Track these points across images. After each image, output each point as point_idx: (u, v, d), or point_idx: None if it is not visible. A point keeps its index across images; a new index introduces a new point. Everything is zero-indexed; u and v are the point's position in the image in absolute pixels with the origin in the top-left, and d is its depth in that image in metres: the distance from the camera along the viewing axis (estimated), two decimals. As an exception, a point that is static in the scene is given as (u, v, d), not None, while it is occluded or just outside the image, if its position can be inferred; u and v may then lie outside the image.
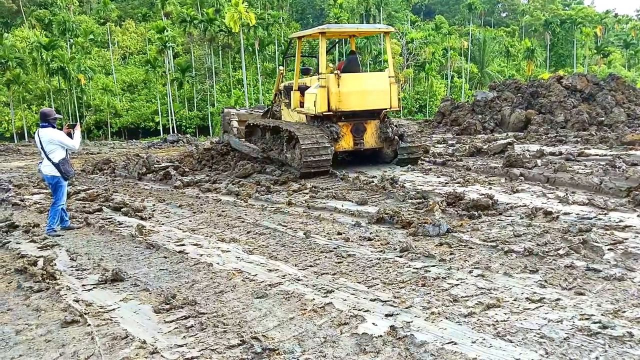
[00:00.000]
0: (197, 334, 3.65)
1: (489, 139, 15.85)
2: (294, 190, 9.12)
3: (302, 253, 5.50)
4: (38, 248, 6.27)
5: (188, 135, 33.08)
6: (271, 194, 8.95)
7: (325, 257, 5.31)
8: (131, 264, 5.47)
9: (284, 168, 11.12)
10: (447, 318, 3.72)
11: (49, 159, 6.95)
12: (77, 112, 54.71)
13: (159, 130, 55.22)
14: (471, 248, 5.32)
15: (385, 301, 4.07)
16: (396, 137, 10.92)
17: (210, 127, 55.73)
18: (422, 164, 11.34)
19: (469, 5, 75.63)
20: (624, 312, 3.68)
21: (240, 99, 56.34)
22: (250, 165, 11.26)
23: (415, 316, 3.78)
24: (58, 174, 7.00)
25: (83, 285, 4.85)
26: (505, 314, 3.74)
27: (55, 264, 5.43)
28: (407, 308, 3.93)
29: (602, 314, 3.65)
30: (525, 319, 3.64)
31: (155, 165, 12.32)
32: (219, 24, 58.92)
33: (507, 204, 6.99)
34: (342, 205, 7.63)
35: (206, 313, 3.99)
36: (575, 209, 6.69)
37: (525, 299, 3.98)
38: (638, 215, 6.22)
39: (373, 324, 3.68)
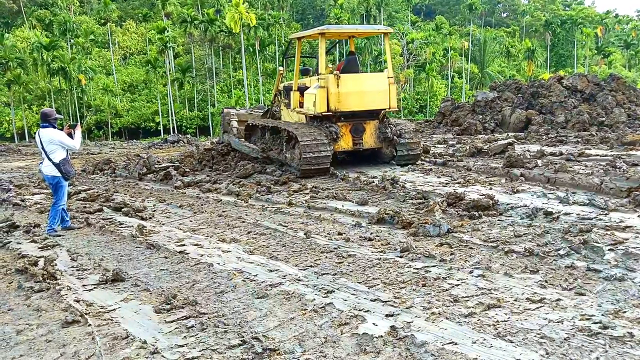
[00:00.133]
0: (197, 334, 3.65)
1: (490, 139, 15.85)
2: (294, 190, 9.13)
3: (302, 253, 5.50)
4: (39, 248, 6.27)
5: (188, 136, 33.08)
6: (272, 194, 8.95)
7: (326, 257, 5.31)
8: (132, 264, 5.47)
9: (284, 168, 11.14)
10: (447, 318, 3.72)
11: (49, 159, 6.95)
12: (77, 112, 54.76)
13: (160, 130, 55.24)
14: (472, 248, 5.32)
15: (386, 301, 4.07)
16: (395, 137, 10.96)
17: (211, 128, 55.75)
18: (423, 164, 11.35)
19: (469, 5, 75.63)
20: (625, 312, 3.68)
21: (240, 99, 56.35)
22: (251, 166, 11.27)
23: (416, 316, 3.78)
24: (59, 174, 7.00)
25: (84, 285, 4.85)
26: (506, 314, 3.74)
27: (56, 264, 5.43)
28: (407, 308, 3.93)
29: (602, 315, 3.65)
30: (525, 319, 3.64)
31: (156, 166, 12.33)
32: (220, 25, 58.95)
33: (507, 204, 6.99)
34: (343, 206, 7.63)
35: (207, 313, 3.99)
36: (575, 209, 6.69)
37: (526, 299, 3.98)
38: (638, 216, 6.21)
39: (373, 324, 3.68)
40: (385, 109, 10.98)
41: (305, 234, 6.18)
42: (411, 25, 78.10)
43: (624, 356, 3.11)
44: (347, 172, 10.33)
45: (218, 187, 9.91)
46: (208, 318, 3.89)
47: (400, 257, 5.16)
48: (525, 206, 6.85)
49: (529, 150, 12.30)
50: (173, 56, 62.06)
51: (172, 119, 55.99)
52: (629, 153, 11.18)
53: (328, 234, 6.22)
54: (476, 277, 4.49)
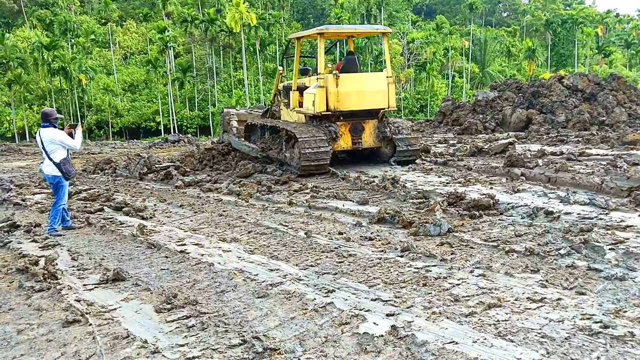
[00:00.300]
0: (198, 334, 3.65)
1: (490, 138, 15.84)
2: (295, 190, 9.13)
3: (303, 253, 5.50)
4: (39, 248, 6.27)
5: (189, 135, 33.09)
6: (272, 194, 8.95)
7: (327, 256, 5.31)
8: (132, 263, 5.47)
9: (285, 168, 11.16)
10: (448, 318, 3.72)
11: (50, 158, 6.96)
12: (78, 112, 54.77)
13: (160, 130, 55.23)
14: (472, 248, 5.32)
15: (386, 301, 4.07)
16: (393, 136, 11.04)
17: (211, 127, 55.74)
18: (423, 163, 11.35)
19: (469, 5, 75.55)
20: (625, 311, 3.68)
21: (241, 99, 56.33)
22: (251, 165, 11.28)
23: (417, 316, 3.78)
24: (59, 174, 7.01)
25: (84, 284, 4.85)
26: (507, 313, 3.74)
27: (56, 264, 5.43)
28: (408, 308, 3.93)
29: (603, 314, 3.64)
30: (526, 319, 3.64)
31: (157, 165, 12.33)
32: (220, 24, 58.93)
33: (508, 203, 6.98)
34: (343, 205, 7.63)
35: (207, 313, 3.99)
36: (576, 208, 6.68)
37: (527, 298, 3.97)
38: (639, 215, 6.21)
39: (374, 323, 3.68)
40: (384, 109, 11.05)
41: (305, 233, 6.18)
42: (412, 25, 78.03)
43: (625, 355, 3.11)
44: (348, 172, 10.33)
45: (219, 187, 9.91)
46: (209, 317, 3.89)
47: (401, 256, 5.16)
48: (526, 206, 6.85)
49: (529, 150, 12.30)
50: (174, 56, 62.05)
51: (173, 119, 56.00)
52: (629, 152, 11.17)
53: (329, 233, 6.22)
54: (477, 276, 4.49)
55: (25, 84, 53.35)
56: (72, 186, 10.24)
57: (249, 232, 6.52)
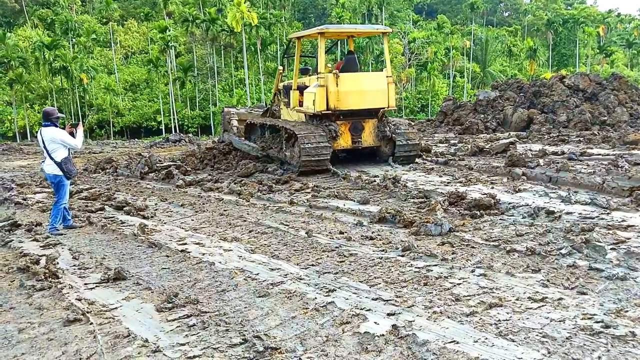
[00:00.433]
0: (199, 333, 3.65)
1: (491, 138, 15.83)
2: (295, 189, 9.13)
3: (304, 252, 5.50)
4: (40, 247, 6.28)
5: (190, 135, 33.07)
6: (273, 193, 8.95)
7: (327, 256, 5.31)
8: (133, 262, 5.47)
9: (285, 167, 11.19)
10: (449, 317, 3.72)
11: (51, 158, 6.96)
12: (79, 111, 54.82)
13: (161, 129, 55.26)
14: (473, 247, 5.31)
15: (387, 300, 4.07)
16: (393, 135, 11.12)
17: (212, 127, 55.75)
18: (424, 163, 11.35)
19: (471, 4, 75.48)
20: (627, 311, 3.67)
21: (242, 99, 56.35)
22: (252, 165, 11.30)
23: (417, 315, 3.77)
24: (60, 173, 7.01)
25: (85, 283, 4.86)
26: (508, 313, 3.74)
27: (57, 263, 5.44)
28: (409, 307, 3.93)
29: (604, 314, 3.64)
30: (527, 319, 3.63)
31: (158, 165, 12.34)
32: (221, 24, 58.92)
33: (509, 203, 6.98)
34: (344, 205, 7.63)
35: (208, 312, 3.99)
36: (577, 208, 6.68)
37: (528, 298, 3.97)
38: (641, 215, 6.20)
39: (375, 323, 3.68)
40: (383, 108, 11.10)
41: (306, 233, 6.18)
42: (413, 25, 77.99)
43: (626, 355, 3.10)
44: (349, 172, 10.33)
45: (219, 186, 9.91)
46: (209, 317, 3.89)
47: (402, 256, 5.16)
48: (527, 205, 6.84)
49: (530, 150, 12.29)
50: (175, 55, 62.07)
51: (174, 118, 56.02)
52: (631, 152, 11.16)
53: (329, 233, 6.22)
54: (478, 276, 4.48)
55: (27, 83, 53.40)
56: (73, 185, 10.25)
57: (250, 232, 6.52)
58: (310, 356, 3.26)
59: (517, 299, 3.97)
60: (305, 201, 8.06)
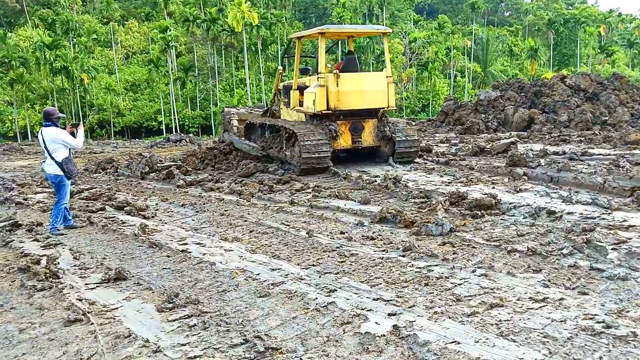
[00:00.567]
0: (199, 333, 3.65)
1: (492, 138, 15.82)
2: (296, 189, 9.13)
3: (304, 252, 5.49)
4: (41, 247, 6.28)
5: (191, 135, 33.09)
6: (274, 193, 8.95)
7: (328, 256, 5.30)
8: (134, 262, 5.47)
9: (286, 167, 11.21)
10: (450, 317, 3.71)
11: (52, 158, 6.96)
12: (80, 111, 54.82)
13: (162, 129, 55.27)
14: (474, 247, 5.31)
15: (388, 300, 4.07)
16: (392, 135, 11.17)
17: (213, 127, 55.75)
18: (425, 163, 11.36)
19: (472, 4, 75.43)
20: (628, 311, 3.67)
21: (242, 99, 56.36)
22: (253, 165, 11.31)
23: (418, 315, 3.77)
24: (61, 173, 7.01)
25: (86, 284, 4.85)
26: (509, 313, 3.73)
27: (58, 263, 5.44)
28: (410, 307, 3.92)
29: (605, 314, 3.64)
30: (528, 319, 3.63)
31: (158, 165, 12.34)
32: (222, 24, 58.94)
33: (510, 203, 6.97)
34: (345, 205, 7.62)
35: (209, 312, 3.99)
36: (578, 208, 6.67)
37: (529, 298, 3.96)
38: (642, 215, 6.19)
39: (376, 323, 3.67)
40: (383, 108, 11.14)
41: (307, 233, 6.18)
42: (414, 24, 77.98)
43: (627, 356, 3.10)
44: (349, 171, 10.33)
45: (220, 186, 9.91)
46: (210, 317, 3.88)
47: (403, 256, 5.15)
48: (528, 205, 6.84)
49: (531, 150, 12.27)
50: (175, 55, 62.10)
51: (175, 118, 56.04)
52: (632, 152, 11.15)
53: (330, 233, 6.22)
54: (479, 276, 4.48)
55: (27, 83, 53.41)
56: (74, 185, 10.25)
57: (251, 232, 6.52)
58: (311, 356, 3.26)
59: (518, 299, 3.96)
60: (306, 201, 8.05)
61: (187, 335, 3.64)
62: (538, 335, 3.38)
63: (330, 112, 10.68)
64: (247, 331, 3.62)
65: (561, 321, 3.57)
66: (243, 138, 13.44)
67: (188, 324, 3.79)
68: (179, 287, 4.62)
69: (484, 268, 4.65)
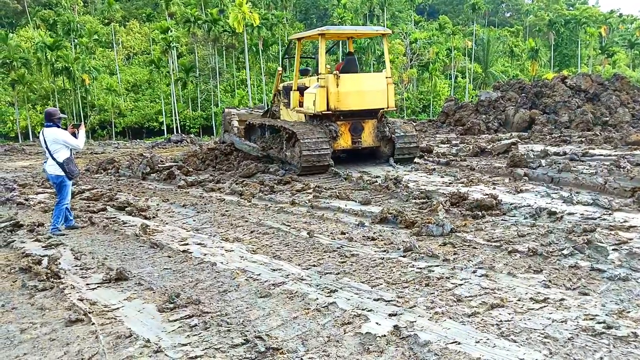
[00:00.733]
0: (200, 333, 3.65)
1: (493, 139, 15.83)
2: (297, 190, 9.13)
3: (305, 252, 5.50)
4: (42, 247, 6.28)
5: (192, 135, 33.11)
6: (275, 194, 8.96)
7: (329, 256, 5.31)
8: (135, 263, 5.48)
9: (286, 167, 11.24)
10: (450, 318, 3.71)
11: (53, 158, 6.97)
12: (81, 112, 54.86)
13: (163, 130, 55.30)
14: (475, 248, 5.31)
15: (389, 301, 4.07)
16: (392, 135, 11.22)
17: (214, 127, 55.75)
18: (426, 164, 11.36)
19: (472, 5, 75.41)
20: (629, 312, 3.67)
21: (244, 99, 56.39)
22: (254, 165, 11.32)
23: (419, 316, 3.77)
24: (62, 174, 7.02)
25: (87, 284, 4.86)
26: (509, 313, 3.74)
27: (59, 263, 5.44)
28: (410, 308, 3.92)
29: (606, 314, 3.64)
30: (529, 319, 3.63)
31: (159, 165, 12.35)
32: (223, 24, 58.98)
33: (511, 204, 6.97)
34: (346, 205, 7.63)
35: (210, 312, 3.99)
36: (579, 209, 6.67)
37: (529, 299, 3.97)
38: (643, 216, 6.19)
39: (376, 323, 3.68)
40: (383, 109, 11.18)
41: (308, 233, 6.18)
42: (414, 25, 77.99)
43: (628, 356, 3.10)
44: (350, 172, 10.34)
45: (221, 187, 9.92)
46: (211, 317, 3.89)
47: (404, 256, 5.15)
48: (529, 206, 6.83)
49: (532, 150, 12.27)
50: (176, 56, 62.15)
51: (176, 119, 56.08)
52: (633, 153, 11.15)
53: (331, 233, 6.22)
54: (479, 276, 4.48)
55: (29, 83, 53.46)
56: (75, 186, 10.26)
57: (252, 232, 6.53)
58: (311, 356, 3.26)
59: (518, 300, 3.96)
60: (307, 202, 8.06)
61: (188, 335, 3.64)
62: (539, 336, 3.38)
63: (330, 112, 10.74)
64: (248, 331, 3.63)
65: (562, 322, 3.57)
66: (243, 139, 13.47)
67: (189, 324, 3.80)
68: (180, 287, 4.62)
69: (485, 268, 4.65)
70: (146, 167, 12.25)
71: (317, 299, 4.17)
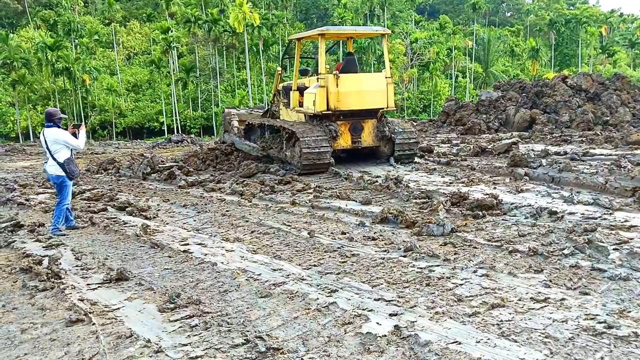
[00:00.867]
0: (201, 333, 3.65)
1: (494, 138, 15.82)
2: (298, 190, 9.13)
3: (306, 252, 5.50)
4: (43, 247, 6.29)
5: (192, 135, 33.14)
6: (275, 194, 8.96)
7: (329, 256, 5.31)
8: (136, 263, 5.48)
9: (287, 167, 11.25)
10: (451, 318, 3.71)
11: (54, 158, 6.97)
12: (82, 112, 54.90)
13: (164, 130, 55.34)
14: (475, 248, 5.31)
15: (390, 301, 4.07)
16: (392, 135, 11.25)
17: (215, 127, 55.79)
18: (427, 163, 11.36)
19: (473, 5, 75.39)
20: (629, 312, 3.66)
21: (244, 99, 56.41)
22: (254, 165, 11.32)
23: (420, 316, 3.77)
24: (63, 174, 7.02)
25: (88, 284, 4.86)
26: (510, 313, 3.73)
27: (60, 263, 5.44)
28: (411, 307, 3.92)
29: (607, 314, 3.63)
30: (529, 319, 3.63)
31: (160, 165, 12.35)
32: (223, 24, 59.02)
33: (511, 203, 6.97)
34: (346, 205, 7.63)
35: (210, 312, 3.99)
36: (580, 208, 6.66)
37: (530, 298, 3.96)
38: (643, 215, 6.18)
39: (377, 323, 3.68)
40: (383, 108, 11.20)
41: (308, 233, 6.18)
42: (415, 25, 77.98)
43: (629, 356, 3.09)
44: (351, 172, 10.34)
45: (222, 187, 9.92)
46: (212, 317, 3.89)
47: (404, 256, 5.15)
48: (530, 206, 6.83)
49: (533, 150, 12.27)
50: (177, 56, 62.18)
51: (176, 119, 56.11)
52: (633, 152, 11.14)
53: (331, 233, 6.22)
54: (480, 276, 4.48)
55: (29, 84, 53.51)
56: (75, 186, 10.27)
57: (252, 232, 6.53)
58: (312, 356, 3.26)
59: (519, 300, 3.96)
60: (308, 202, 8.06)
61: (188, 335, 3.64)
62: (539, 336, 3.38)
63: (330, 112, 10.76)
64: (248, 331, 3.63)
65: (562, 321, 3.57)
66: (243, 139, 13.49)
67: (189, 324, 3.80)
68: (181, 287, 4.62)
69: (485, 268, 4.65)
70: (147, 167, 12.26)
71: (318, 299, 4.17)
